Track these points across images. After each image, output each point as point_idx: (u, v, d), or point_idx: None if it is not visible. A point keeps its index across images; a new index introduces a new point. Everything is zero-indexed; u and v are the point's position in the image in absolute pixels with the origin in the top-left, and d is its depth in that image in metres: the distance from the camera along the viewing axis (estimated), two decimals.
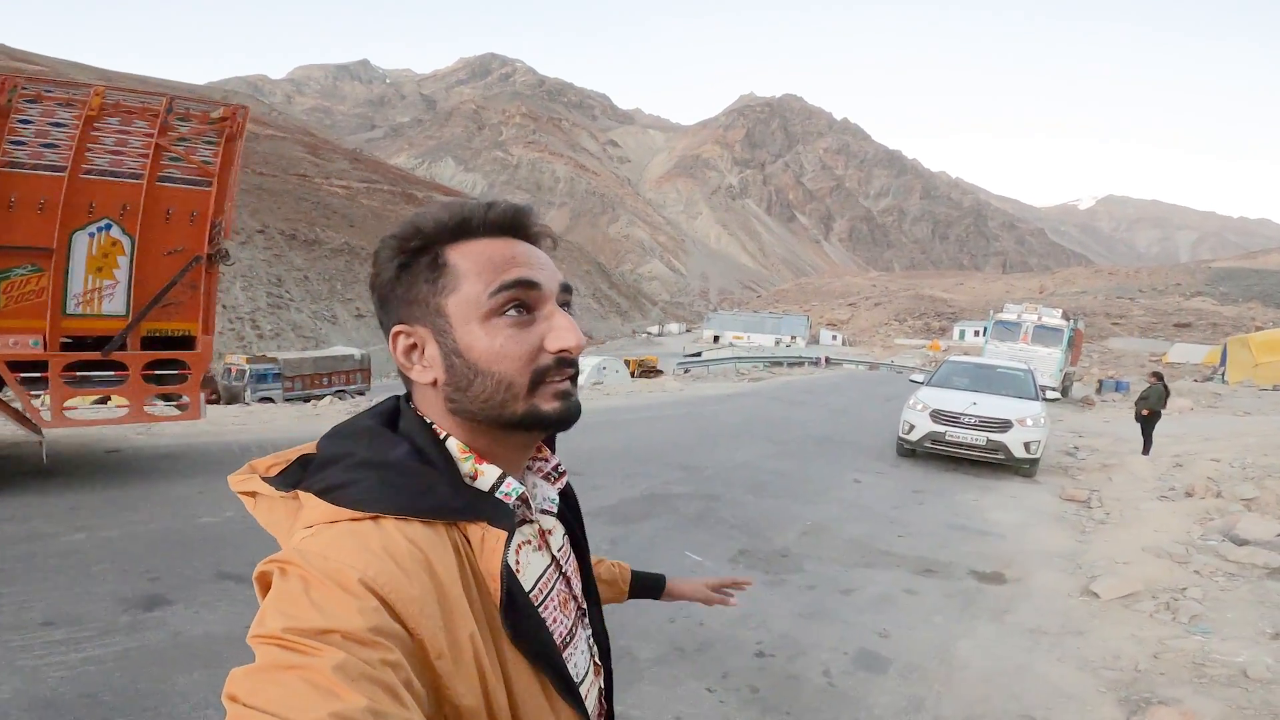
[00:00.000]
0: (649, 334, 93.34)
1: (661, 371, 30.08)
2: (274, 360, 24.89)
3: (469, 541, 0.64)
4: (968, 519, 6.76)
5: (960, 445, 8.81)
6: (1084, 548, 5.76)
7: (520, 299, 0.67)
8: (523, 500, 0.71)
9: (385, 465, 0.63)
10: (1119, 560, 5.26)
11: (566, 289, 0.73)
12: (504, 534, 0.64)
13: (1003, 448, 8.60)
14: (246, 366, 23.42)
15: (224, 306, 47.72)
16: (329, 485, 0.62)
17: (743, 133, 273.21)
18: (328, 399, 16.63)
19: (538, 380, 0.67)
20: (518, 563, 0.70)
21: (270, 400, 21.08)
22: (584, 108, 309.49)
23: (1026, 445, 8.59)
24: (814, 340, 73.64)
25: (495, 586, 0.62)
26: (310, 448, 0.69)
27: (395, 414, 0.72)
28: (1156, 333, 60.06)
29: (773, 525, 6.09)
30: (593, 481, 7.07)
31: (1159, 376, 11.36)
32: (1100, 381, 28.34)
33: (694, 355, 42.45)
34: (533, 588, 0.71)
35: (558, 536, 0.80)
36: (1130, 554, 5.41)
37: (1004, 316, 21.59)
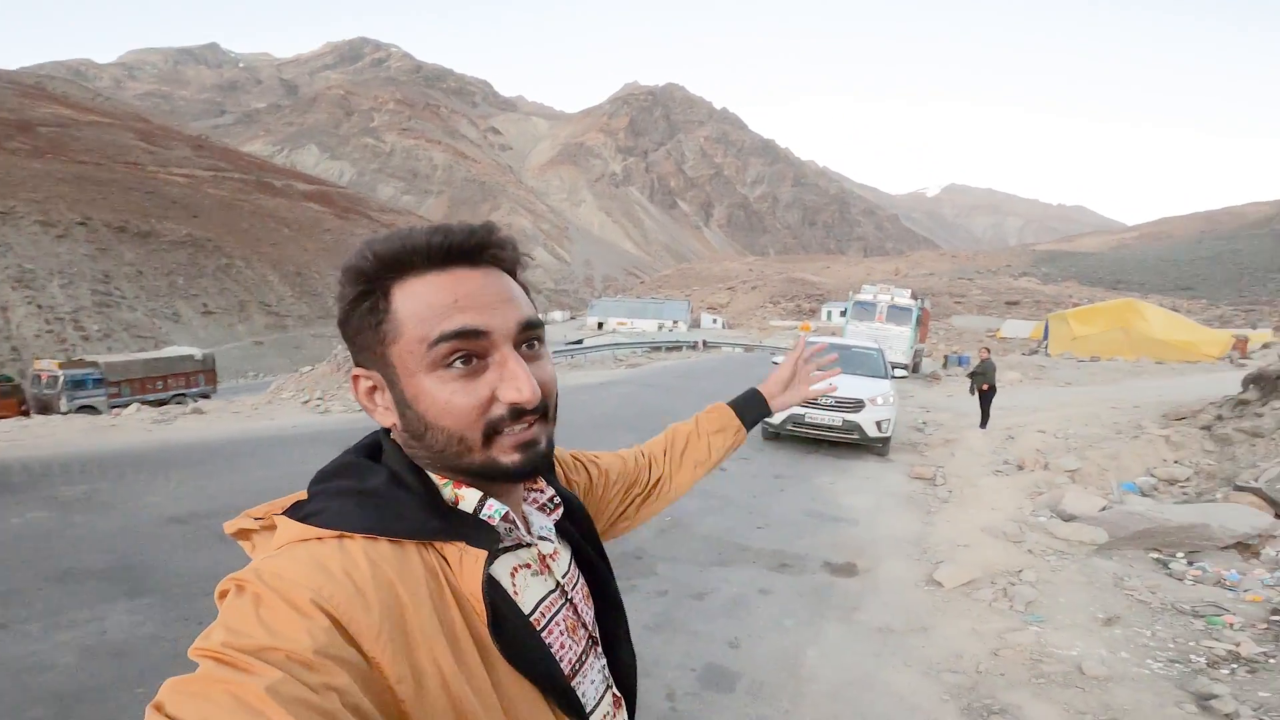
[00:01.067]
0: None
1: None
2: (94, 364, 22.09)
3: (448, 562, 0.62)
4: (824, 504, 6.76)
5: (819, 426, 8.94)
6: (929, 530, 5.87)
7: (464, 350, 0.63)
8: (511, 522, 0.68)
9: (362, 491, 0.63)
10: (960, 543, 5.36)
11: (530, 325, 0.67)
12: (483, 553, 0.62)
13: (857, 427, 8.81)
14: (59, 373, 20.62)
15: (38, 306, 41.50)
16: (306, 512, 0.61)
17: (626, 121, 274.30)
18: (131, 406, 14.52)
19: (492, 432, 0.64)
20: (514, 586, 0.67)
21: (93, 409, 18.69)
22: (464, 94, 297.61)
23: (878, 424, 8.84)
24: (695, 324, 75.35)
25: (480, 606, 0.61)
26: (304, 494, 0.67)
27: (378, 447, 0.70)
28: (991, 310, 66.69)
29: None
30: None
31: (988, 351, 12.23)
32: (946, 357, 30.88)
33: (575, 343, 41.89)
34: (533, 611, 0.68)
35: (562, 563, 0.76)
36: (970, 536, 5.54)
37: (861, 297, 22.76)
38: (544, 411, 0.67)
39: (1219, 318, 49.19)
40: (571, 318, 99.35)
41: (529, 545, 0.71)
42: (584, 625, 0.75)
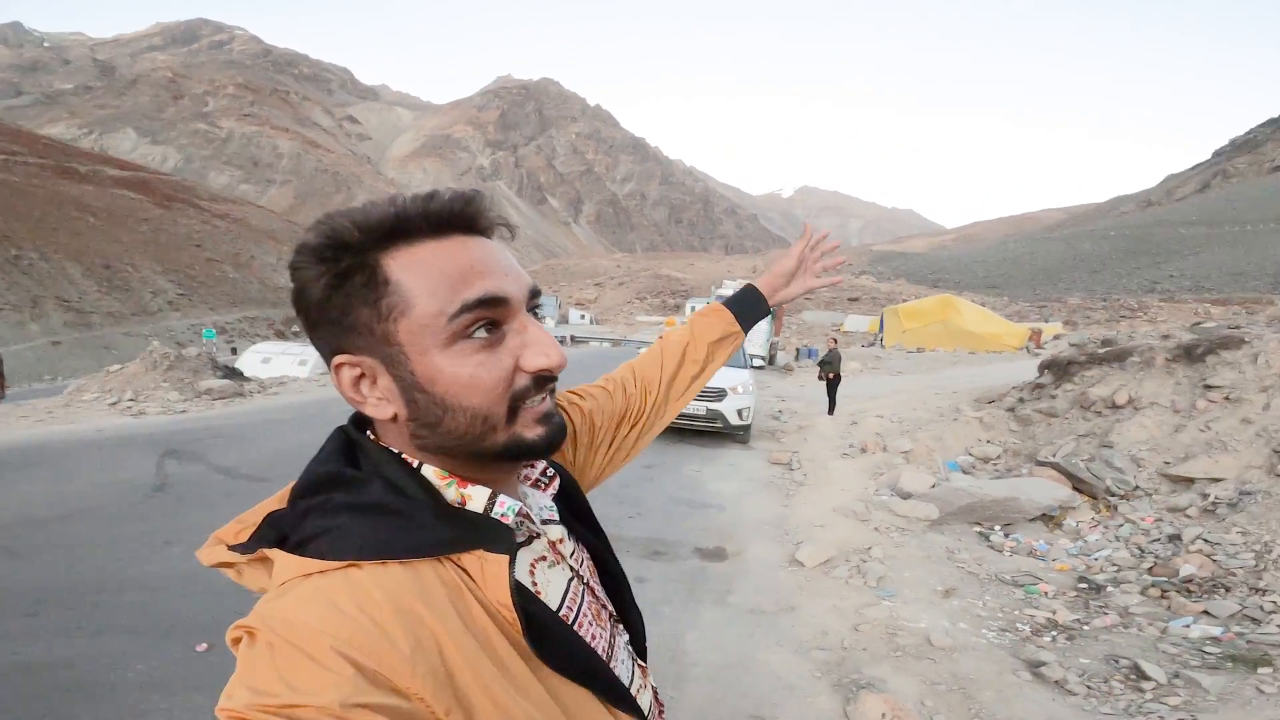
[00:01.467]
0: None
1: None
2: None
3: (469, 574, 0.57)
4: (693, 492, 7.01)
5: (684, 415, 9.22)
6: (788, 513, 6.27)
7: (489, 318, 0.58)
8: (523, 516, 0.63)
9: (359, 508, 0.56)
10: (816, 524, 5.79)
11: (535, 293, 0.64)
12: (505, 558, 0.57)
13: (720, 416, 9.21)
14: None
15: None
16: (301, 538, 0.55)
17: (497, 114, 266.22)
18: None
19: (517, 405, 0.60)
20: (535, 583, 0.63)
21: None
22: (319, 81, 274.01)
23: (739, 412, 9.30)
24: (564, 319, 75.18)
25: (511, 615, 0.56)
26: (276, 502, 0.61)
27: (350, 450, 0.62)
28: (836, 306, 72.42)
29: None
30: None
31: (835, 343, 13.30)
32: (797, 349, 33.21)
33: None
34: (560, 606, 0.64)
35: (569, 544, 0.71)
36: (824, 516, 6.00)
37: (722, 291, 23.90)
38: (555, 382, 0.63)
39: (1018, 313, 56.77)
40: None
41: (539, 535, 0.66)
42: (604, 607, 0.72)
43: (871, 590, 4.48)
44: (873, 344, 32.08)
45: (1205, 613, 4.16)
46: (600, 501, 6.27)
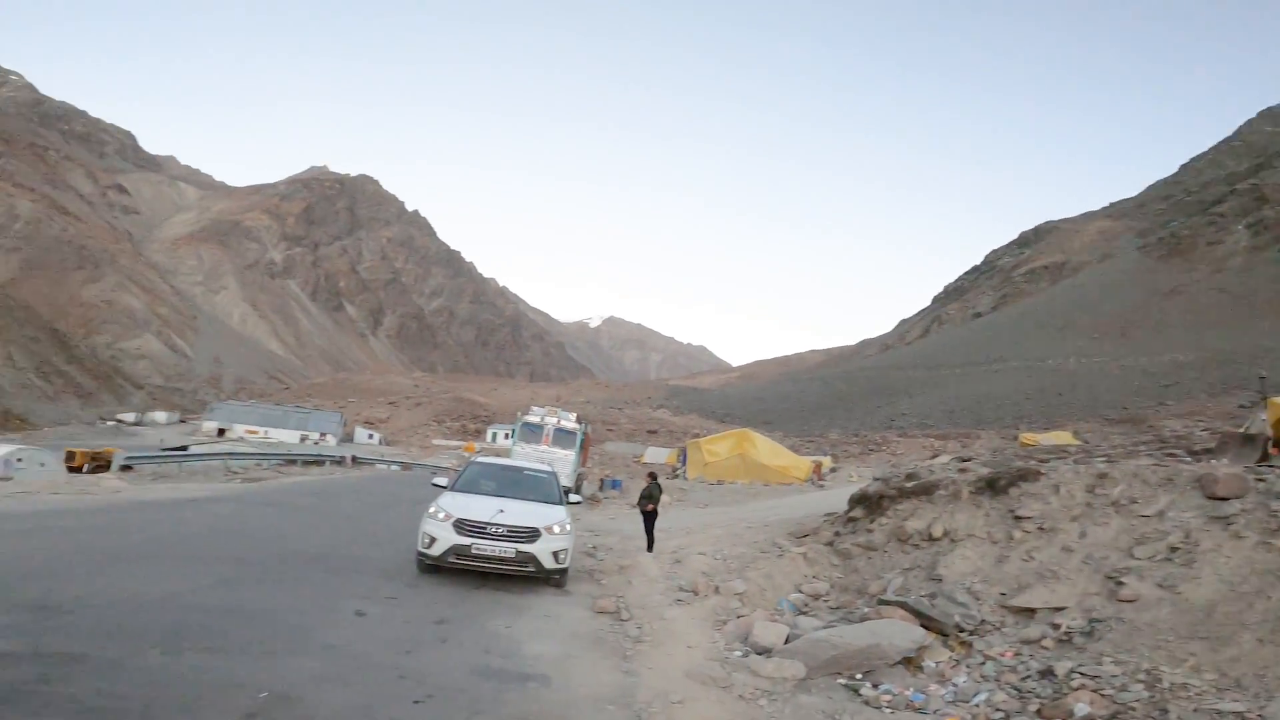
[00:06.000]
0: (120, 421, 71.85)
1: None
2: None
3: None
4: (503, 657, 5.30)
5: (489, 559, 7.55)
6: (633, 682, 4.88)
7: None
8: None
9: None
10: (672, 698, 4.49)
11: None
12: None
13: (532, 559, 7.65)
14: None
15: None
16: None
17: (303, 206, 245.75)
18: None
19: None
20: None
21: None
22: (93, 141, 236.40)
23: (555, 555, 7.85)
24: (349, 438, 67.90)
25: None
26: None
27: None
28: (636, 438, 74.22)
29: (185, 706, 3.52)
30: None
31: (653, 476, 12.45)
32: (601, 480, 32.44)
33: (178, 449, 33.16)
34: None
35: None
36: (678, 685, 4.72)
37: (530, 419, 22.65)
38: None
39: (792, 447, 62.54)
40: (182, 420, 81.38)
41: None
42: None
43: None
44: (676, 475, 32.37)
45: None
46: (364, 680, 4.32)
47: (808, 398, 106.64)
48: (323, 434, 66.83)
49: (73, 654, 3.92)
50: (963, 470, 9.24)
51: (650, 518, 11.48)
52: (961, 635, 5.90)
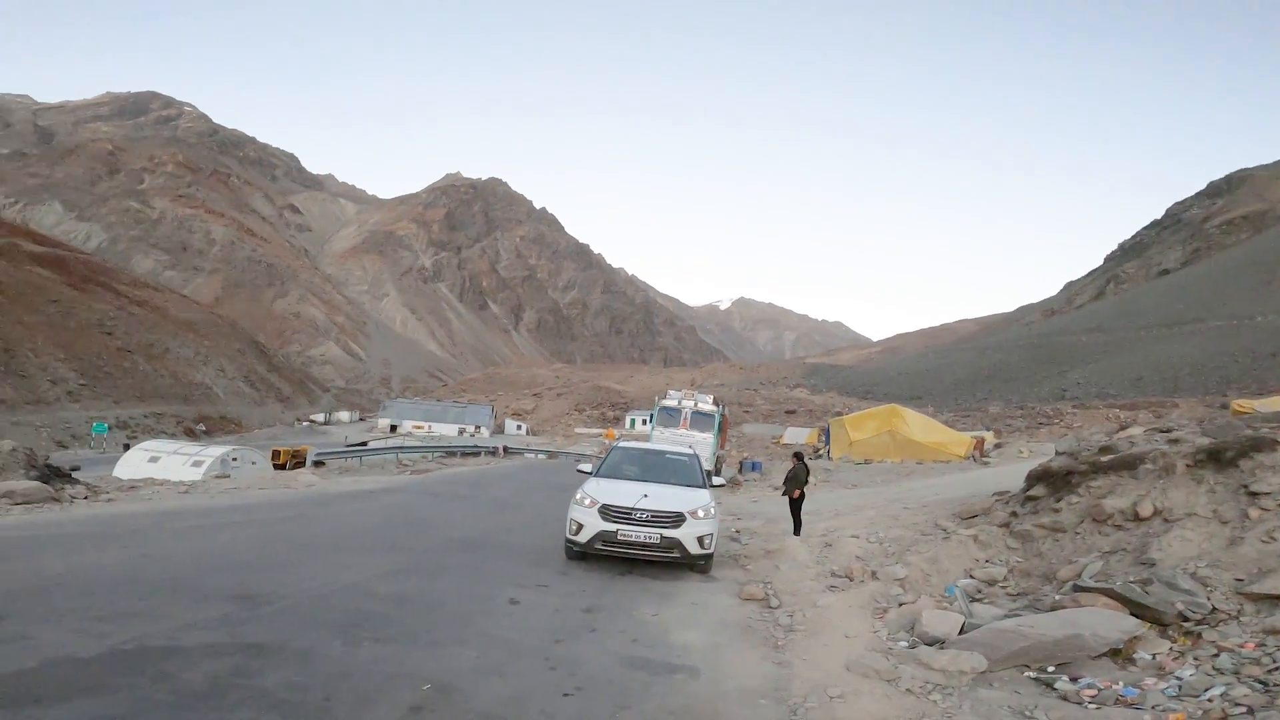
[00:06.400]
0: (312, 422, 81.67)
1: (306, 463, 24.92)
2: None
3: None
4: (651, 646, 5.17)
5: (634, 545, 7.48)
6: (786, 673, 4.55)
7: None
8: None
9: None
10: (831, 692, 4.10)
11: None
12: None
13: (677, 544, 7.47)
14: None
15: None
16: None
17: (444, 212, 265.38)
18: None
19: None
20: None
21: None
22: (264, 165, 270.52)
23: (700, 540, 7.61)
24: (499, 430, 72.39)
25: None
26: None
27: None
28: (774, 418, 72.39)
29: (360, 698, 3.68)
30: (21, 629, 4.02)
31: (800, 457, 11.79)
32: (740, 462, 31.85)
33: (359, 445, 37.00)
34: None
35: None
36: (837, 678, 4.32)
37: (667, 403, 22.51)
38: None
39: (945, 422, 57.94)
40: (361, 419, 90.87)
41: None
42: None
43: None
44: (818, 455, 31.13)
45: None
46: (519, 671, 4.32)
47: (960, 370, 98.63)
48: (477, 426, 71.76)
49: (267, 645, 4.25)
50: (1173, 441, 7.84)
51: (797, 502, 10.94)
52: (1185, 625, 5.02)
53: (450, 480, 19.00)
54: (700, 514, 7.70)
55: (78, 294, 73.12)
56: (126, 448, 30.63)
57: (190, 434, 56.21)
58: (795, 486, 10.97)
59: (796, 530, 10.66)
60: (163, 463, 20.97)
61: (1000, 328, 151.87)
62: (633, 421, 74.65)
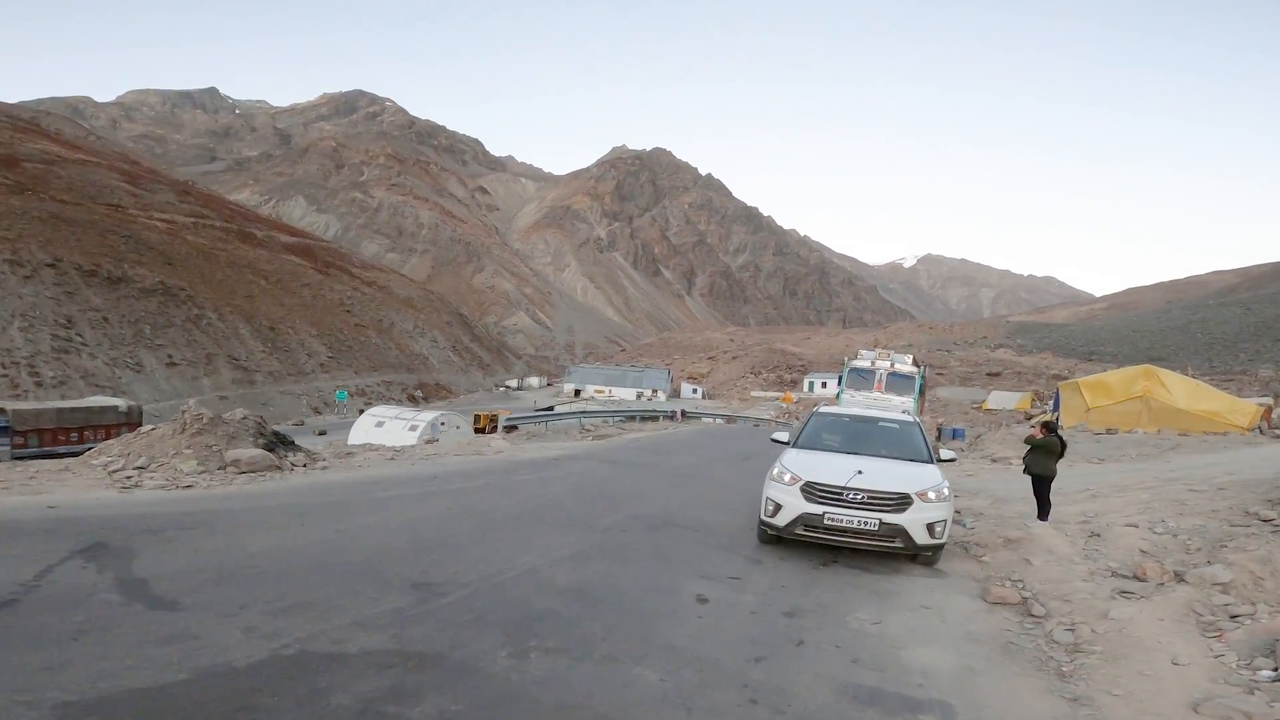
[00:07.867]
0: (507, 387, 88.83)
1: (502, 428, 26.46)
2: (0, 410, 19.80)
3: None
4: (878, 670, 4.00)
5: (845, 532, 6.17)
6: (1090, 719, 3.13)
7: None
8: None
9: None
10: None
11: None
12: None
13: (901, 532, 6.05)
14: None
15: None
16: None
17: (613, 185, 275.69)
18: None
19: None
20: None
21: None
22: (454, 152, 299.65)
23: (930, 528, 6.12)
24: (675, 394, 73.13)
25: None
26: None
27: None
28: (973, 382, 65.05)
29: None
30: (190, 624, 3.78)
31: (1049, 428, 9.15)
32: (939, 429, 28.47)
33: (546, 409, 39.02)
34: None
35: None
36: None
37: (858, 364, 20.32)
38: None
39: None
40: (548, 384, 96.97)
41: None
42: None
43: None
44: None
45: None
46: (711, 697, 3.39)
47: (1217, 328, 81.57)
48: (654, 390, 73.13)
49: (430, 654, 3.73)
50: None
51: (1045, 481, 8.85)
52: None
53: (630, 447, 18.83)
54: (932, 495, 6.20)
55: (323, 278, 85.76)
56: (360, 412, 34.97)
57: (411, 400, 63.65)
58: (1047, 462, 8.84)
59: (1042, 514, 8.65)
60: (386, 427, 23.06)
61: (1269, 279, 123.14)
62: (811, 385, 71.39)
